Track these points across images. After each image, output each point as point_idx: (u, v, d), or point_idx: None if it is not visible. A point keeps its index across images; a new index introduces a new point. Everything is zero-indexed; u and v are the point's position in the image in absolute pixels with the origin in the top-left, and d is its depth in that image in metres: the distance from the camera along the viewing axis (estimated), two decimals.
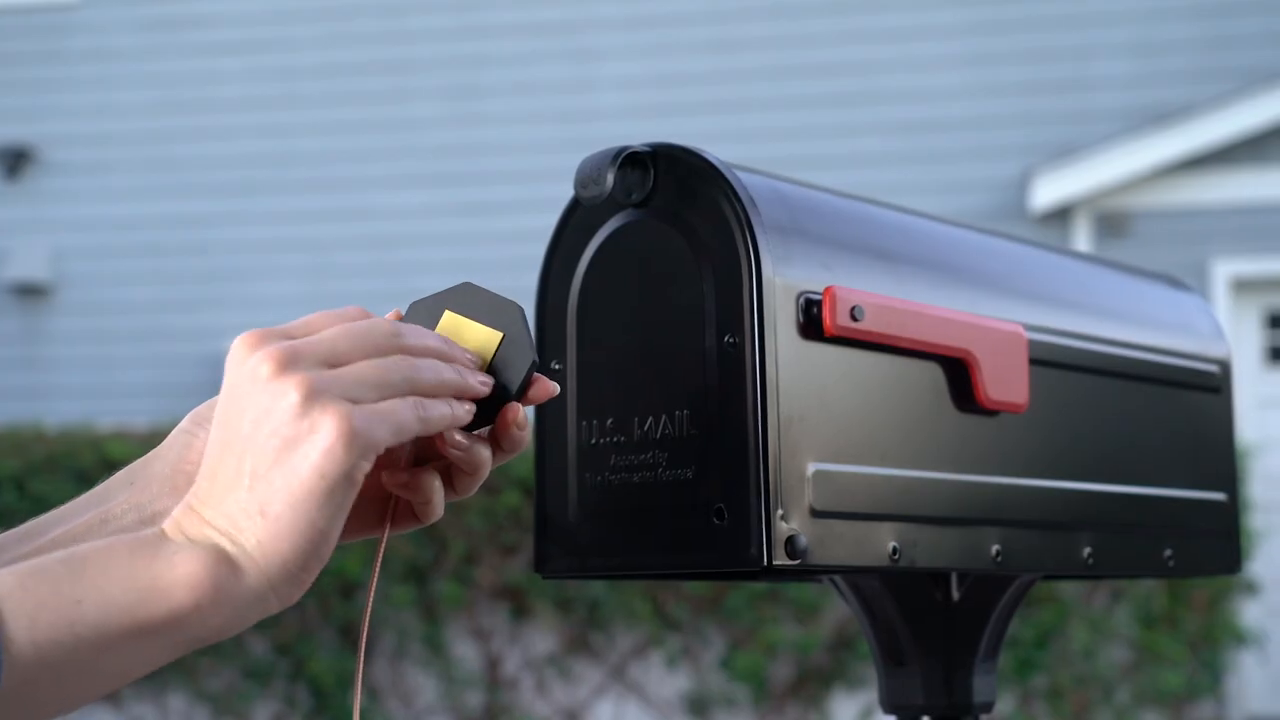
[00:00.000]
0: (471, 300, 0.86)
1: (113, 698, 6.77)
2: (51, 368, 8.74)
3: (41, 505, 6.71)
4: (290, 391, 0.74)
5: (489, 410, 0.84)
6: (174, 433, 0.92)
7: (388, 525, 0.86)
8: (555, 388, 0.88)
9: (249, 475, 0.74)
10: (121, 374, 8.65)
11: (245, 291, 8.61)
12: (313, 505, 0.74)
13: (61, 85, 8.92)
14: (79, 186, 8.83)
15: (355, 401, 0.76)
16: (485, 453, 0.84)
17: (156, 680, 6.74)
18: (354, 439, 0.74)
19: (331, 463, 0.74)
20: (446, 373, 0.81)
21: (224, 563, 0.74)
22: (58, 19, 8.97)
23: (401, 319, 0.88)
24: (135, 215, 8.75)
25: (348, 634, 6.64)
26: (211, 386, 8.49)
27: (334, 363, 0.77)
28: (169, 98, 8.80)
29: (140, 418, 8.03)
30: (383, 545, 0.85)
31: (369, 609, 0.86)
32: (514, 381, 0.85)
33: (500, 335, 0.85)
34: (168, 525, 0.76)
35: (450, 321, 0.86)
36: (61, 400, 8.57)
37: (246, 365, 0.76)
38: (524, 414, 0.86)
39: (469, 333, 0.85)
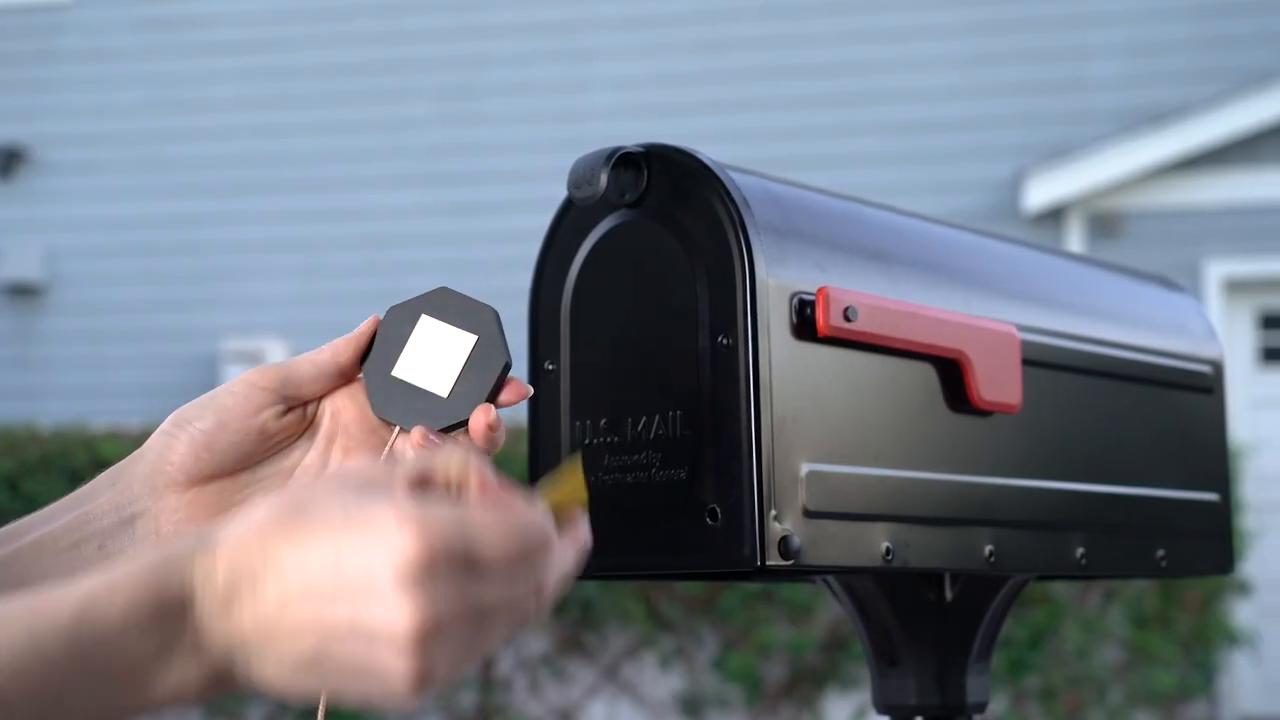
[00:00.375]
0: (448, 304, 0.88)
1: None
2: (45, 368, 8.73)
3: (34, 505, 6.69)
4: (403, 669, 0.68)
5: (463, 409, 0.86)
6: (155, 434, 0.91)
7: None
8: (528, 390, 0.88)
9: (308, 655, 0.68)
10: (115, 374, 8.65)
11: (239, 291, 8.60)
12: (324, 693, 0.71)
13: (55, 85, 8.91)
14: (73, 186, 8.82)
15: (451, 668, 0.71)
16: None
17: None
18: (413, 700, 0.70)
19: (383, 702, 0.70)
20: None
21: (219, 682, 0.70)
22: (51, 18, 8.96)
23: (380, 322, 0.88)
24: (129, 215, 8.75)
25: None
26: (204, 386, 8.48)
27: (459, 624, 0.69)
28: (163, 98, 8.80)
29: (134, 418, 8.02)
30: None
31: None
32: (487, 384, 0.86)
33: (475, 338, 0.87)
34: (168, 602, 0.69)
35: (427, 326, 0.87)
36: (55, 400, 8.56)
37: (391, 596, 0.67)
38: (497, 415, 0.87)
39: (447, 340, 0.86)
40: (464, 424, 0.86)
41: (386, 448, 0.87)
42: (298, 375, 0.90)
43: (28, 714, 0.65)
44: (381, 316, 0.90)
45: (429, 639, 0.67)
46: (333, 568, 0.67)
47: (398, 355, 0.88)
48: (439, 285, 0.90)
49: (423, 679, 0.68)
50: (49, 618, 0.66)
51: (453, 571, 0.68)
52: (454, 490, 0.73)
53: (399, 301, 0.89)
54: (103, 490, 0.89)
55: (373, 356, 0.89)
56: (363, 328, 0.90)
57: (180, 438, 0.90)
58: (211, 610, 0.68)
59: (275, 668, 0.69)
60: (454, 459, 0.73)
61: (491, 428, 0.86)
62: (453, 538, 0.68)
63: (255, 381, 0.90)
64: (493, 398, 0.87)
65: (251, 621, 0.68)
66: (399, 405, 0.87)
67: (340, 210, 8.57)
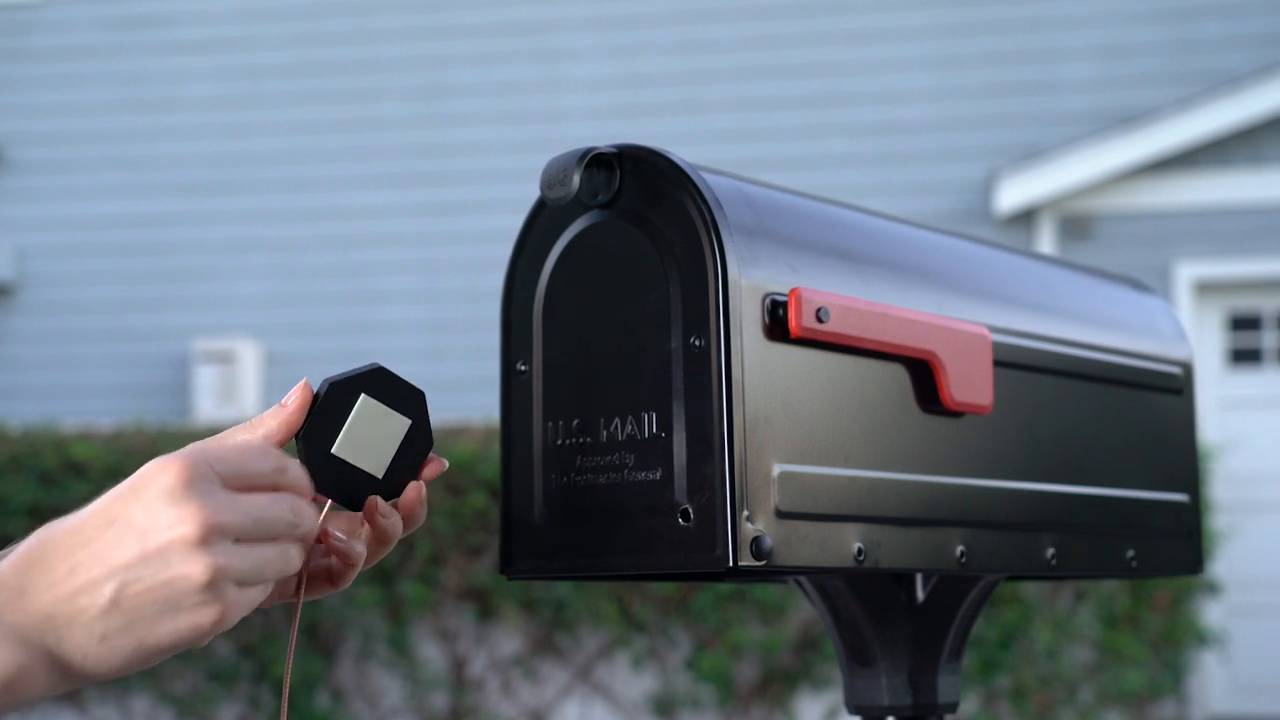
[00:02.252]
0: (384, 385, 0.93)
1: (76, 701, 6.73)
2: (15, 368, 8.68)
3: (3, 506, 6.66)
4: (199, 572, 0.76)
5: (396, 487, 0.93)
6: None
7: (301, 594, 0.91)
8: (444, 465, 0.95)
9: (108, 600, 0.75)
10: (85, 374, 8.60)
11: (210, 291, 8.57)
12: (157, 655, 0.78)
13: (25, 84, 8.86)
14: (42, 185, 8.78)
15: (242, 585, 0.79)
16: (361, 549, 0.92)
17: (120, 682, 6.70)
18: (224, 625, 0.78)
19: (195, 639, 0.78)
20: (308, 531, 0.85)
21: (43, 669, 0.76)
22: (21, 17, 8.91)
23: (315, 394, 0.91)
24: (99, 214, 8.70)
25: (313, 635, 6.62)
26: (175, 386, 8.46)
27: (244, 539, 0.79)
28: (134, 96, 8.76)
29: (104, 418, 7.98)
30: (298, 613, 0.91)
31: (289, 669, 0.91)
32: (418, 465, 0.94)
33: (408, 422, 0.93)
34: None
35: (365, 407, 0.92)
36: (25, 400, 8.51)
37: (167, 512, 0.76)
38: (424, 491, 0.94)
39: (382, 421, 0.92)
40: (397, 494, 0.94)
41: (320, 518, 0.89)
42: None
43: None
44: (313, 386, 0.94)
45: (212, 536, 0.76)
46: (104, 518, 0.77)
47: (337, 433, 0.91)
48: (373, 363, 0.94)
49: (218, 583, 0.76)
50: None
51: (215, 482, 0.78)
52: None
53: (335, 375, 0.92)
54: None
55: (311, 430, 0.91)
56: (294, 404, 0.90)
57: None
58: (6, 599, 0.76)
59: (84, 631, 0.75)
60: None
61: (422, 502, 0.95)
62: (206, 455, 0.79)
63: None
64: (417, 476, 0.95)
65: (47, 597, 0.76)
66: (336, 482, 0.91)
67: (312, 210, 8.54)
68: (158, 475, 0.77)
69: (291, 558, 0.82)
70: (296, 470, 0.84)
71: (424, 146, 8.51)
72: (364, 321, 8.39)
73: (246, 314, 8.51)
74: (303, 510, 0.83)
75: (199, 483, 0.77)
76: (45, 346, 8.67)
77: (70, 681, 0.78)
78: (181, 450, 0.79)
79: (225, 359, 8.29)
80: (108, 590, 0.75)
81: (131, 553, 0.76)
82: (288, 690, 0.87)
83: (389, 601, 6.53)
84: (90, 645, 0.76)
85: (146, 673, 6.62)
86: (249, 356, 8.32)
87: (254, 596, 0.80)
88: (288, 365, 8.40)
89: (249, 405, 8.24)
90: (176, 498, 0.76)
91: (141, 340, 8.56)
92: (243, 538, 0.79)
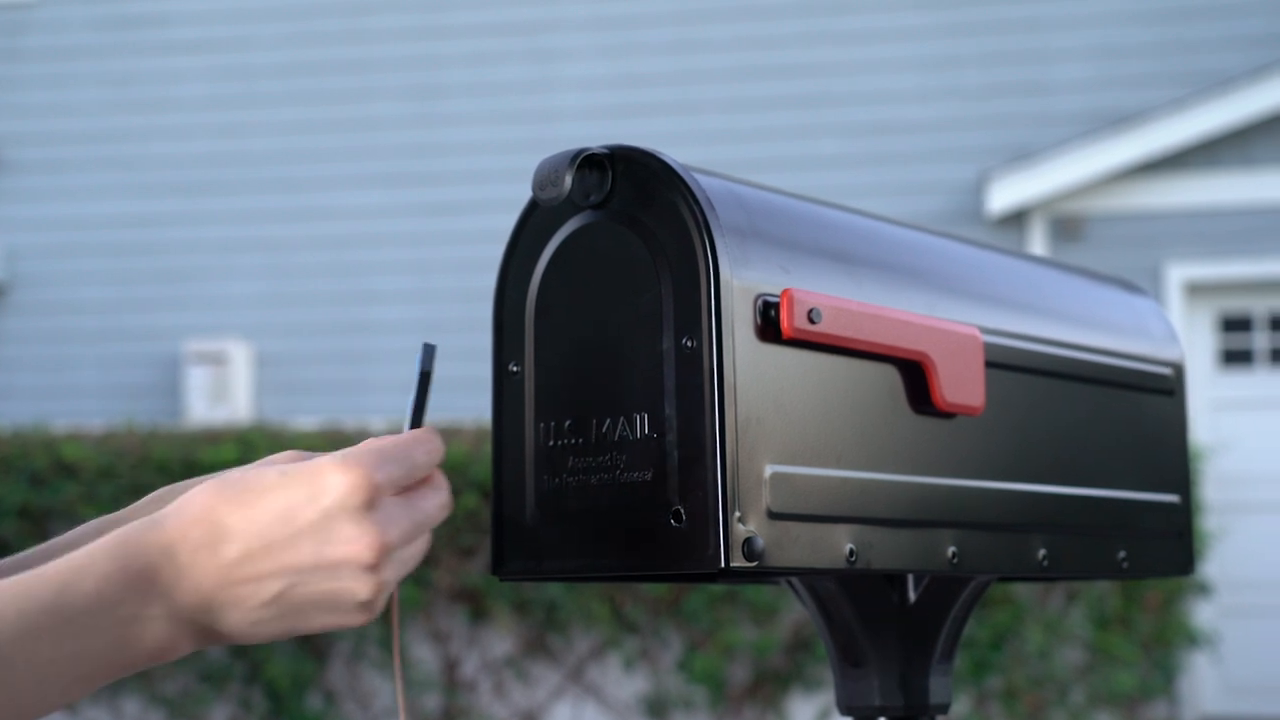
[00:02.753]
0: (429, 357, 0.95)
1: None
2: (6, 368, 8.66)
3: None
4: (365, 591, 0.81)
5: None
6: (148, 501, 0.96)
7: (396, 601, 0.95)
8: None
9: (271, 596, 0.81)
10: (77, 374, 8.59)
11: (203, 291, 8.56)
12: (299, 634, 0.83)
13: (18, 84, 8.84)
14: (35, 185, 8.76)
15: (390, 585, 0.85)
16: None
17: (110, 685, 6.69)
18: (367, 619, 0.83)
19: (339, 627, 0.83)
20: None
21: (191, 640, 0.81)
22: (15, 17, 8.89)
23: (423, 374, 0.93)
24: (92, 214, 8.69)
25: (305, 637, 6.61)
26: (166, 387, 8.44)
27: (405, 543, 0.84)
28: (126, 97, 8.74)
29: (95, 419, 7.97)
30: (395, 614, 0.93)
31: (398, 658, 0.93)
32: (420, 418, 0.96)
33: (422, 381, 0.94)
34: (135, 579, 0.79)
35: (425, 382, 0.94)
36: (15, 401, 8.50)
37: (347, 528, 0.81)
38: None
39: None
40: None
41: None
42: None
43: (27, 678, 0.76)
44: (422, 349, 0.95)
45: (383, 557, 0.81)
46: (284, 519, 0.80)
47: (424, 411, 0.94)
48: (427, 343, 0.94)
49: (378, 595, 0.82)
50: (34, 595, 0.76)
51: (388, 492, 0.82)
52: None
53: (423, 362, 0.93)
54: (90, 541, 0.95)
55: (417, 413, 0.93)
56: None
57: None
58: (172, 578, 0.79)
59: (238, 616, 0.80)
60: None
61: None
62: (382, 462, 0.82)
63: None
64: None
65: (212, 581, 0.79)
66: None
67: (305, 210, 8.53)
68: (342, 489, 0.81)
69: (427, 544, 0.87)
70: (440, 453, 0.88)
71: (417, 147, 8.50)
72: (356, 322, 8.38)
73: (238, 314, 8.50)
74: (449, 503, 0.88)
75: (378, 500, 0.82)
76: (36, 347, 8.65)
77: (214, 645, 0.83)
78: (361, 457, 0.82)
79: (216, 360, 8.28)
80: (275, 587, 0.80)
81: (306, 559, 0.80)
82: (400, 684, 0.88)
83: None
84: (241, 626, 0.81)
85: (138, 675, 6.61)
86: (240, 357, 8.31)
87: (393, 585, 0.86)
88: (279, 366, 8.40)
89: (240, 406, 8.24)
90: (358, 516, 0.81)
91: (133, 341, 8.55)
92: (404, 543, 0.84)
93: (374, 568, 0.81)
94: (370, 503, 0.81)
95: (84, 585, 0.77)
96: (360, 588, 0.81)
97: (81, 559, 0.78)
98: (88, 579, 0.77)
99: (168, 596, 0.79)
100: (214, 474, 0.86)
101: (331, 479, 0.80)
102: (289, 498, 0.80)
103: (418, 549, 0.85)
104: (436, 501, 0.86)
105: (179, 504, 0.81)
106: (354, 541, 0.80)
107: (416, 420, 0.91)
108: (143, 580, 0.78)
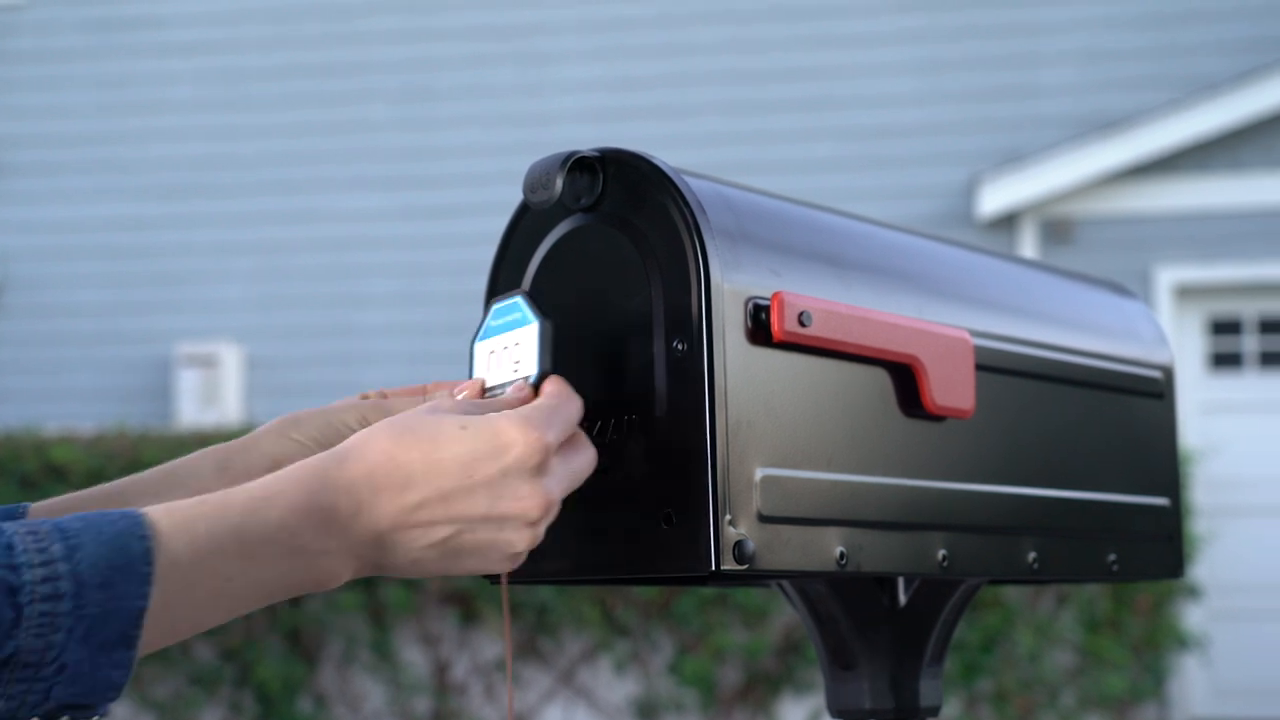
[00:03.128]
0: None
1: None
2: None
3: None
4: (524, 545, 0.89)
5: None
6: (265, 432, 1.03)
7: (506, 595, 1.02)
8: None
9: (438, 540, 0.87)
10: (69, 378, 8.57)
11: (195, 294, 8.55)
12: (450, 574, 0.90)
13: (9, 86, 8.83)
14: (27, 188, 8.75)
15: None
16: None
17: None
18: (513, 568, 0.91)
19: (485, 572, 0.91)
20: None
21: (354, 572, 0.86)
22: (4, 19, 8.88)
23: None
24: (84, 217, 8.68)
25: (295, 640, 6.60)
26: (157, 390, 8.43)
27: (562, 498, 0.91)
28: (119, 99, 8.73)
29: (87, 422, 7.96)
30: (505, 594, 0.96)
31: (509, 646, 0.97)
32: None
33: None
34: (316, 517, 0.84)
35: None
36: (7, 404, 8.48)
37: (520, 486, 0.87)
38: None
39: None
40: None
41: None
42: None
43: (204, 596, 0.81)
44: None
45: (546, 516, 0.89)
46: (465, 471, 0.86)
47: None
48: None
49: (531, 548, 0.89)
50: (224, 517, 0.82)
51: (555, 453, 0.89)
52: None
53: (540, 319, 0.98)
54: (209, 472, 1.01)
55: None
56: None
57: (291, 439, 1.03)
58: (350, 515, 0.84)
59: (403, 553, 0.86)
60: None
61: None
62: (555, 428, 0.89)
63: None
64: None
65: (388, 522, 0.85)
66: None
67: (297, 213, 8.53)
68: (521, 450, 0.87)
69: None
70: (583, 411, 0.95)
71: (410, 149, 8.50)
72: (348, 325, 8.38)
73: (229, 317, 8.49)
74: (595, 458, 0.94)
75: (549, 462, 0.89)
76: (27, 350, 8.64)
77: (367, 575, 0.88)
78: (536, 419, 0.88)
79: (207, 363, 8.27)
80: (444, 532, 0.86)
81: (478, 510, 0.86)
82: (510, 675, 0.94)
83: (371, 605, 6.52)
84: (404, 563, 0.87)
85: None
86: (231, 360, 8.30)
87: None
88: (270, 369, 8.39)
89: (231, 409, 8.23)
90: (532, 477, 0.87)
91: (124, 343, 8.53)
92: (559, 501, 0.90)
93: (537, 523, 0.88)
94: (543, 465, 0.88)
95: (271, 513, 0.83)
96: (520, 540, 0.88)
97: (270, 486, 0.84)
98: (275, 507, 0.83)
99: (345, 532, 0.84)
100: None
101: (513, 437, 0.87)
102: (472, 451, 0.86)
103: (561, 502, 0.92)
104: (586, 459, 0.93)
105: (358, 444, 0.86)
106: (525, 499, 0.87)
107: (545, 368, 0.95)
108: (325, 514, 0.84)
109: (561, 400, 0.92)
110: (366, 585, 6.49)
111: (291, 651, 6.58)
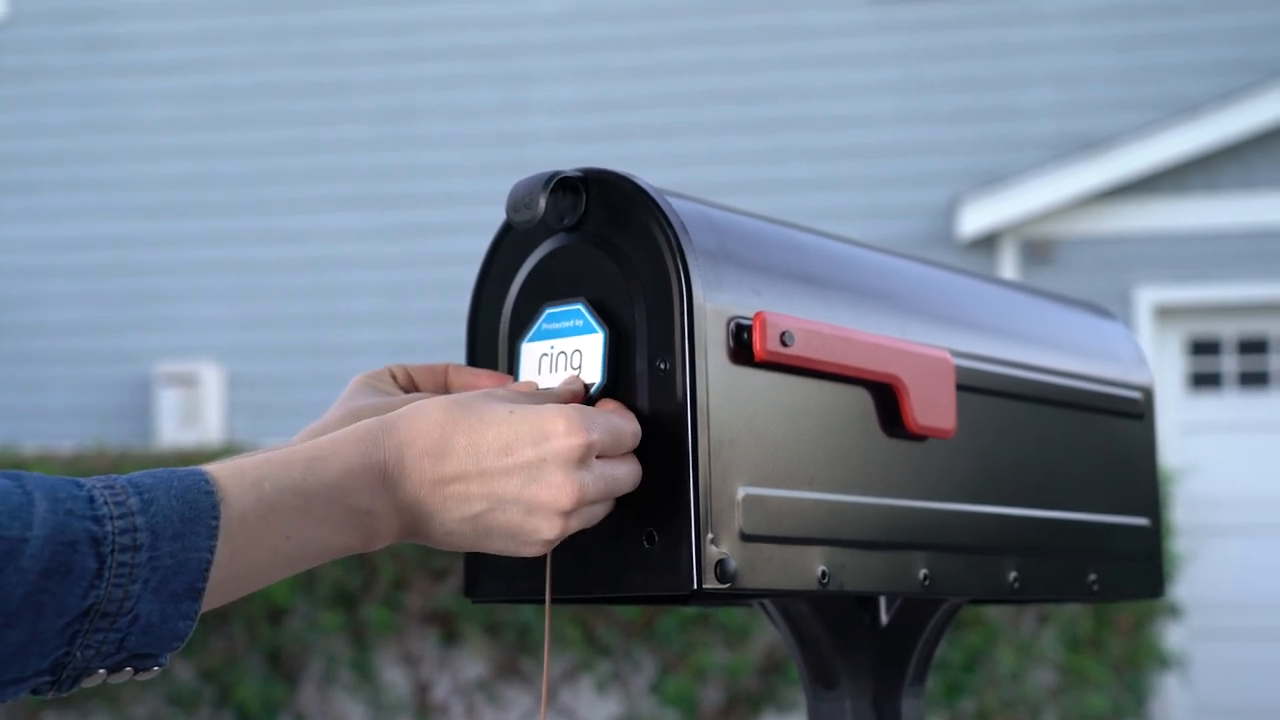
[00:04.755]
0: None
1: None
2: None
3: None
4: (552, 533, 0.91)
5: None
6: (344, 416, 1.02)
7: (549, 579, 1.01)
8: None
9: (471, 515, 0.90)
10: (48, 396, 8.54)
11: (174, 313, 8.53)
12: (480, 550, 0.93)
13: None
14: (5, 206, 8.72)
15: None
16: None
17: (79, 708, 6.64)
18: (541, 554, 0.94)
19: (514, 554, 0.94)
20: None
21: (395, 535, 0.90)
22: None
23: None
24: (64, 236, 8.65)
25: (275, 660, 6.58)
26: (137, 409, 8.40)
27: (594, 503, 0.93)
28: (97, 117, 8.72)
29: (66, 441, 7.92)
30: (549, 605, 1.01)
31: (547, 657, 0.97)
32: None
33: None
34: (369, 480, 0.88)
35: None
36: None
37: (555, 474, 0.90)
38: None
39: None
40: None
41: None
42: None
43: (265, 549, 0.84)
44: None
45: (578, 507, 0.91)
46: (505, 451, 0.89)
47: None
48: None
49: (560, 538, 0.92)
50: (285, 471, 0.86)
51: (596, 451, 0.91)
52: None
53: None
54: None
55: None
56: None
57: (361, 401, 1.04)
58: (397, 476, 0.88)
59: (438, 522, 0.90)
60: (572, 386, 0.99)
61: None
62: (602, 431, 0.92)
63: None
64: None
65: (429, 489, 0.89)
66: None
67: (277, 232, 8.52)
68: (564, 437, 0.90)
69: (610, 507, 0.96)
70: (638, 439, 0.96)
71: (389, 169, 8.50)
72: (328, 344, 8.36)
73: (210, 336, 8.47)
74: (639, 477, 0.96)
75: (589, 457, 0.91)
76: (6, 368, 8.60)
77: (409, 541, 0.92)
78: (583, 417, 0.91)
79: (188, 382, 8.24)
80: (477, 508, 0.90)
81: (512, 490, 0.90)
82: (546, 685, 0.91)
83: (352, 625, 6.50)
84: (439, 533, 0.91)
85: (106, 697, 6.56)
86: (211, 379, 8.28)
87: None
88: (251, 388, 8.37)
89: (211, 429, 8.20)
90: (569, 467, 0.90)
91: (103, 363, 8.50)
92: (594, 502, 0.93)
93: (568, 513, 0.91)
94: (582, 460, 0.90)
95: (328, 472, 0.87)
96: (549, 529, 0.91)
97: (327, 446, 0.88)
98: (331, 466, 0.87)
99: (392, 493, 0.88)
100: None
101: (557, 427, 0.90)
102: (515, 434, 0.90)
103: (602, 510, 0.95)
104: (629, 470, 0.95)
105: (412, 412, 0.90)
106: (558, 488, 0.90)
107: (609, 378, 0.98)
108: (375, 474, 0.88)
109: (617, 412, 0.95)
110: (348, 605, 6.48)
111: (272, 671, 6.56)
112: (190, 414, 8.20)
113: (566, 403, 0.96)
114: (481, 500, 0.90)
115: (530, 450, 0.89)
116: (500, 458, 0.89)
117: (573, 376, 0.99)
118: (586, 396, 0.98)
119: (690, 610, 6.31)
